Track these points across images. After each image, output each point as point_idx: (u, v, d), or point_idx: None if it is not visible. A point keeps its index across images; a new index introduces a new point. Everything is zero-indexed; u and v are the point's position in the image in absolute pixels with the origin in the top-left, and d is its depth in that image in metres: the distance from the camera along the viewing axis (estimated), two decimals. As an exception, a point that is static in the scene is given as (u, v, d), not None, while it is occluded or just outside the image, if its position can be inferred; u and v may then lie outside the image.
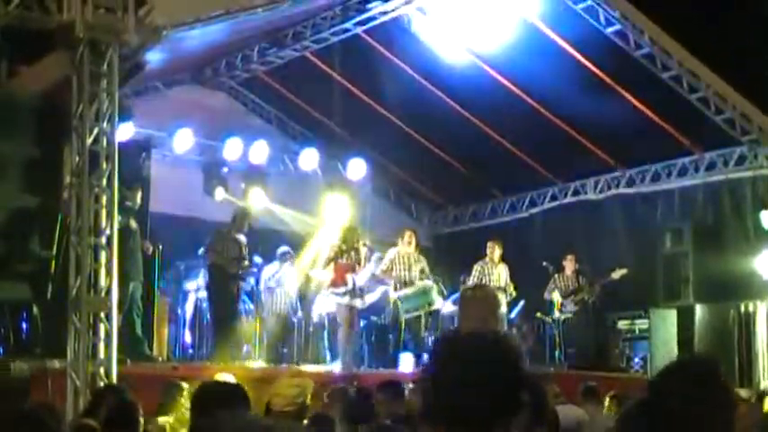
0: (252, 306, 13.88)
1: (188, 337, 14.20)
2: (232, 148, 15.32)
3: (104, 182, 9.51)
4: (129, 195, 11.31)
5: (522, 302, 14.84)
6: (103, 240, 9.42)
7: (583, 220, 16.55)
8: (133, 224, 11.45)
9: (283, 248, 14.36)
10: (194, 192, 15.32)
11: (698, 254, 14.30)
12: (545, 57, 13.55)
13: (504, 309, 13.31)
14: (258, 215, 14.39)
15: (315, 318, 14.24)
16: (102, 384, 8.88)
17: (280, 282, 14.21)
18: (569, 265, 14.85)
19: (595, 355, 14.63)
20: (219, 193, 15.36)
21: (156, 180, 13.04)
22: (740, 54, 13.47)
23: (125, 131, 11.49)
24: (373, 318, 14.72)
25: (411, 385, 8.20)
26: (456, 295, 14.57)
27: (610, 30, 12.88)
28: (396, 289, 13.69)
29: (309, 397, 6.00)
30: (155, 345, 12.25)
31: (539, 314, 15.33)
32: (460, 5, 13.47)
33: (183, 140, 14.98)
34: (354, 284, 13.06)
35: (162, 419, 7.83)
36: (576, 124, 14.98)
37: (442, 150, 16.63)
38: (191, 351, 14.09)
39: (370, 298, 14.18)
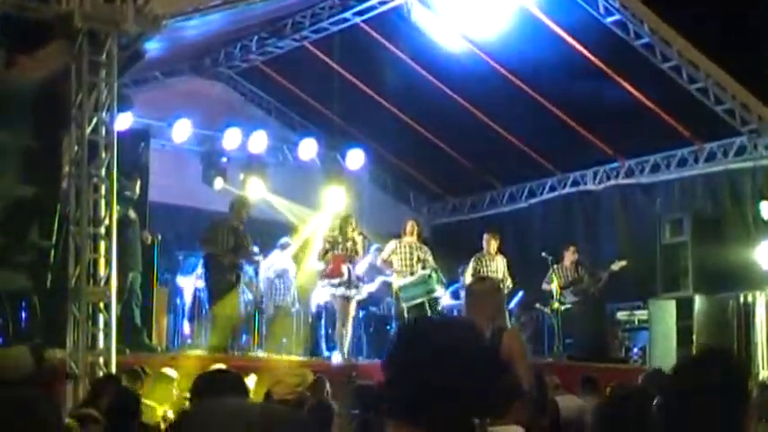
0: (251, 296, 13.87)
1: (186, 328, 14.20)
2: (231, 138, 15.30)
3: (103, 171, 9.52)
4: (128, 185, 11.29)
5: (521, 293, 14.84)
6: (102, 230, 9.43)
7: (582, 210, 16.56)
8: (132, 214, 11.44)
9: (283, 239, 14.36)
10: (193, 182, 15.31)
11: (697, 245, 14.29)
12: (545, 47, 13.52)
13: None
14: (256, 205, 14.34)
15: (313, 308, 14.23)
16: (101, 374, 8.89)
17: (279, 272, 14.21)
18: (569, 256, 14.83)
19: (594, 346, 14.62)
20: (218, 183, 15.35)
21: (154, 170, 13.04)
22: (740, 45, 13.45)
23: (124, 121, 11.47)
24: (372, 308, 14.73)
25: None
26: (454, 287, 14.59)
27: (609, 19, 12.85)
28: (397, 279, 13.70)
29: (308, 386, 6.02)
30: (154, 334, 12.24)
31: (538, 305, 15.32)
32: (460, -5, 13.46)
33: (182, 130, 14.95)
34: (350, 275, 13.05)
35: (160, 410, 7.85)
36: (575, 115, 14.97)
37: (442, 141, 16.61)
38: (189, 341, 14.09)
39: (369, 288, 14.19)
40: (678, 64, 13.19)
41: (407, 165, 17.82)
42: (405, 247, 13.66)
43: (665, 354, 14.21)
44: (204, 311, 13.71)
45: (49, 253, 9.72)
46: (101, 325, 9.32)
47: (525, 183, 17.34)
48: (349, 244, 13.15)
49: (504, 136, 15.90)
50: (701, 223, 14.52)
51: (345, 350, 12.75)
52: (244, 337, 13.73)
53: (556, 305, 14.82)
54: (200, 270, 13.58)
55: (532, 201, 17.30)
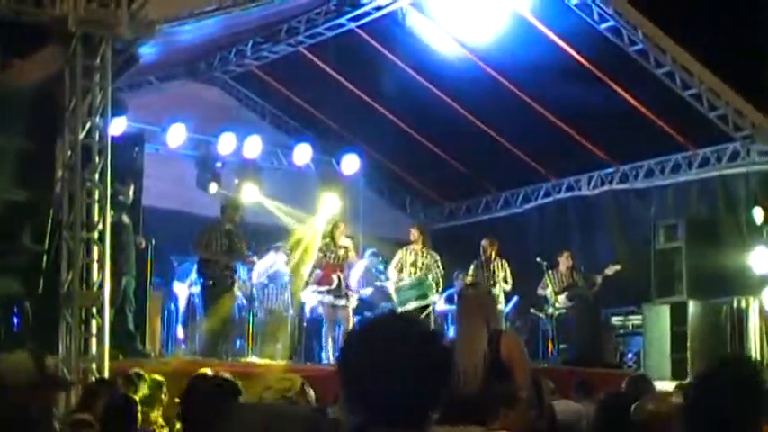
0: (245, 301, 13.85)
1: (180, 333, 14.17)
2: (226, 143, 15.30)
3: (97, 176, 9.50)
4: (122, 190, 11.25)
5: (515, 298, 14.84)
6: (96, 235, 9.41)
7: (577, 215, 16.58)
8: (126, 219, 11.40)
9: (278, 244, 14.33)
10: (188, 186, 15.30)
11: (691, 250, 14.31)
12: (540, 53, 13.53)
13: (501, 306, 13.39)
14: (251, 209, 14.30)
15: (308, 313, 14.21)
16: (93, 379, 8.87)
17: (273, 277, 14.20)
18: (564, 261, 14.84)
19: (589, 351, 14.62)
20: (213, 188, 15.33)
21: (149, 174, 12.99)
22: (733, 51, 13.48)
23: (118, 126, 11.46)
24: (367, 314, 14.71)
25: None
26: (449, 292, 14.59)
27: (603, 26, 12.88)
28: (394, 284, 13.73)
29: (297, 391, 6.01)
30: (147, 340, 12.21)
31: (533, 310, 15.33)
32: (455, 0, 13.46)
33: (177, 135, 14.94)
34: (340, 283, 13.07)
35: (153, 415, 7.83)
36: (570, 120, 14.99)
37: (437, 146, 16.62)
38: (183, 346, 14.06)
39: (365, 292, 14.22)
40: (672, 70, 13.21)
41: (403, 170, 17.82)
42: (410, 254, 13.65)
43: (659, 359, 14.23)
44: (198, 316, 13.69)
45: (41, 258, 9.69)
46: (93, 330, 9.29)
47: (520, 188, 17.35)
48: (340, 252, 13.16)
49: (499, 141, 15.91)
50: (695, 229, 14.54)
51: (332, 357, 12.77)
52: (237, 342, 13.71)
53: (551, 310, 14.84)
54: (193, 275, 13.56)
55: (527, 206, 17.32)
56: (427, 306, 13.58)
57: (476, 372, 5.50)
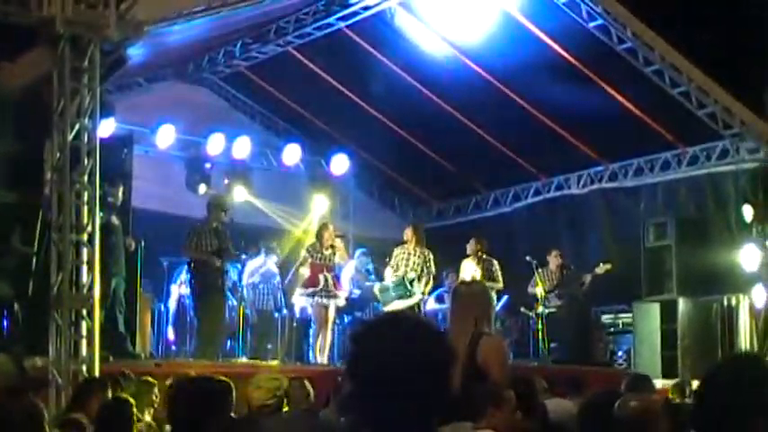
0: (235, 302, 13.83)
1: (171, 334, 14.15)
2: (215, 144, 15.28)
3: (86, 178, 9.47)
4: (112, 191, 11.22)
5: (506, 297, 14.86)
6: (85, 237, 9.38)
7: (566, 214, 16.60)
8: (115, 220, 11.37)
9: (269, 244, 14.31)
10: (177, 188, 15.27)
11: (681, 248, 14.35)
12: (528, 51, 13.55)
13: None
14: (238, 208, 14.24)
15: (298, 314, 14.21)
16: (84, 378, 8.83)
17: (264, 277, 14.19)
18: (554, 260, 14.88)
19: (579, 350, 14.66)
20: (202, 189, 15.31)
21: (138, 176, 12.96)
22: (722, 49, 13.50)
23: (107, 127, 11.43)
24: (357, 313, 14.71)
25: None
26: (439, 291, 14.60)
27: (592, 24, 12.89)
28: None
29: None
30: (137, 341, 12.17)
31: (523, 309, 15.36)
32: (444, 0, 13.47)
33: (166, 136, 14.91)
34: (327, 283, 13.06)
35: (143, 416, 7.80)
36: (559, 119, 15.00)
37: (426, 145, 16.62)
38: (173, 348, 14.04)
39: (350, 291, 14.22)
40: (661, 68, 13.24)
41: (392, 170, 17.82)
42: (404, 253, 13.59)
43: (649, 357, 14.27)
44: (189, 318, 13.67)
45: (31, 260, 9.67)
46: (83, 332, 9.25)
47: (510, 187, 17.36)
48: (327, 252, 13.13)
49: (489, 140, 15.92)
50: (685, 226, 14.58)
51: (325, 356, 12.75)
52: (228, 343, 13.69)
53: (541, 309, 14.86)
54: (184, 276, 13.54)
55: (517, 205, 17.33)
56: (411, 305, 13.53)
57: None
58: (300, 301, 13.52)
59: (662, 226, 14.73)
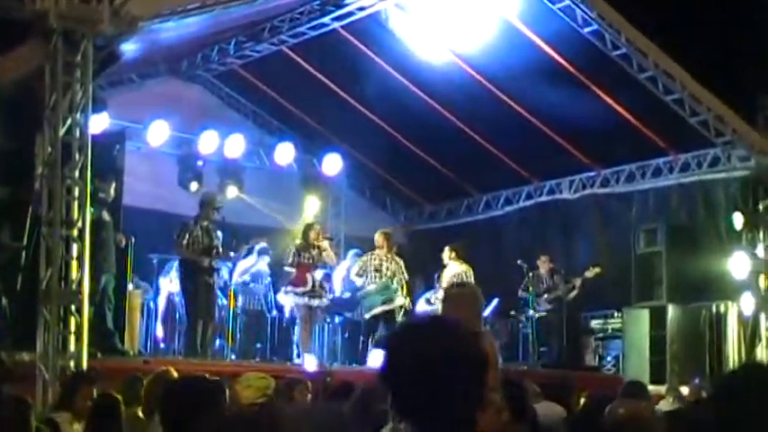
0: (225, 301, 13.81)
1: (160, 331, 14.11)
2: (207, 142, 15.23)
3: (77, 173, 9.44)
4: (103, 187, 11.19)
5: (496, 300, 14.84)
6: (75, 232, 9.35)
7: (558, 219, 16.62)
8: (106, 216, 11.34)
9: (260, 244, 14.27)
10: (169, 185, 15.21)
11: (671, 254, 14.37)
12: (523, 55, 13.55)
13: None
14: (228, 204, 14.16)
15: (287, 314, 14.18)
16: (71, 372, 8.79)
17: (254, 277, 14.16)
18: (544, 265, 14.90)
19: (568, 354, 14.68)
20: (194, 187, 15.25)
21: (129, 173, 12.93)
22: (715, 56, 13.53)
23: (99, 123, 11.38)
24: (347, 314, 14.70)
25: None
26: (430, 293, 14.59)
27: (587, 30, 12.90)
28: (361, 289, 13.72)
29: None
30: (126, 338, 12.14)
31: (513, 312, 15.37)
32: (439, 2, 13.45)
33: (158, 133, 14.85)
34: (314, 283, 13.07)
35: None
36: (551, 123, 15.01)
37: (419, 147, 16.62)
38: (162, 345, 14.01)
39: (345, 296, 14.22)
40: (654, 75, 13.26)
41: (385, 171, 17.82)
42: (375, 259, 13.61)
43: (638, 362, 14.28)
44: (178, 315, 13.64)
45: (20, 254, 9.63)
46: (72, 328, 9.22)
47: (501, 190, 17.38)
48: (314, 252, 13.13)
49: (481, 144, 15.92)
50: (676, 233, 14.61)
51: (311, 356, 12.76)
52: (218, 342, 13.66)
53: (531, 313, 14.87)
54: (173, 273, 13.51)
55: (508, 208, 17.35)
56: (393, 309, 13.54)
57: None
58: (285, 299, 13.52)
59: (653, 232, 14.75)
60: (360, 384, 6.90)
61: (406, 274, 13.63)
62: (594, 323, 15.47)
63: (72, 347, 9.19)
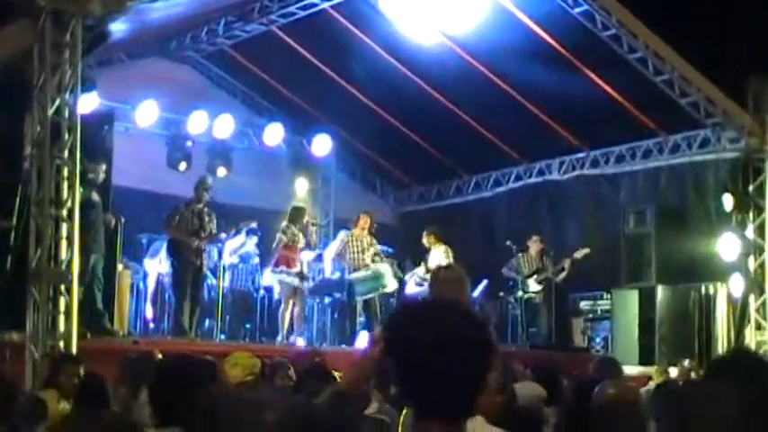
0: (214, 281, 13.80)
1: (149, 312, 14.10)
2: (196, 122, 15.17)
3: (66, 153, 9.41)
4: (93, 168, 11.16)
5: (485, 281, 14.87)
6: (65, 212, 9.33)
7: (547, 200, 16.64)
8: (95, 197, 11.32)
9: (250, 224, 14.26)
10: (158, 165, 15.16)
11: (661, 236, 14.41)
12: (513, 37, 13.52)
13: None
14: (217, 185, 14.13)
15: (276, 295, 14.19)
16: (59, 353, 8.79)
17: (243, 257, 14.16)
18: (534, 245, 14.92)
19: (557, 335, 14.73)
20: (183, 167, 15.22)
21: (118, 153, 12.88)
22: (705, 37, 13.52)
23: (88, 103, 11.32)
24: (336, 294, 14.72)
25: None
26: (409, 275, 14.65)
27: (577, 10, 12.86)
28: (350, 272, 13.74)
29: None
30: (115, 319, 12.13)
31: (501, 293, 15.40)
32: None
33: (147, 113, 14.78)
34: (301, 266, 13.14)
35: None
36: (542, 105, 15.01)
37: (409, 128, 16.59)
38: (152, 325, 14.00)
39: (336, 275, 14.25)
40: (644, 56, 13.23)
41: (374, 152, 17.79)
42: (356, 239, 13.66)
43: (627, 343, 14.33)
44: (167, 296, 13.64)
45: (9, 234, 9.60)
46: (62, 308, 9.22)
47: (491, 172, 17.38)
48: (300, 234, 13.18)
49: (471, 125, 15.91)
50: (665, 214, 14.65)
51: (284, 334, 12.97)
52: (207, 322, 13.67)
53: (520, 294, 14.91)
54: (163, 254, 13.50)
55: (498, 190, 17.36)
56: (387, 295, 13.65)
57: None
58: (272, 278, 13.57)
59: (642, 213, 14.79)
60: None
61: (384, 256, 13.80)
62: (583, 304, 15.51)
63: (62, 327, 9.19)
